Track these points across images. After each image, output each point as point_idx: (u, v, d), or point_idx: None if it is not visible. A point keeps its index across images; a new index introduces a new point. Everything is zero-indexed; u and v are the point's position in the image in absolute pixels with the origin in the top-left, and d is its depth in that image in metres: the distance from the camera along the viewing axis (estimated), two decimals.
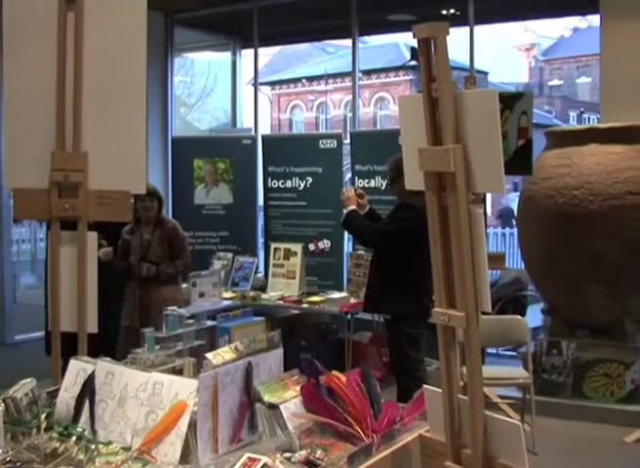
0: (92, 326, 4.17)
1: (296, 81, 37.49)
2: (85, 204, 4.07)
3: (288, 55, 37.33)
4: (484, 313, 2.61)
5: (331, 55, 34.63)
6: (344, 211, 5.97)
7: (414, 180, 2.66)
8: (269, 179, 8.99)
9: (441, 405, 2.71)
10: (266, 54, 31.98)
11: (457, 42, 8.91)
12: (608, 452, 6.01)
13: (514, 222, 19.40)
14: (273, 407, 2.92)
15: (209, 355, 3.02)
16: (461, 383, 3.09)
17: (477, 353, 2.54)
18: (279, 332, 3.21)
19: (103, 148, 4.09)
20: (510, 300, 8.48)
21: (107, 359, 3.10)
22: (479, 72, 25.83)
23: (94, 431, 2.86)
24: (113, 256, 6.85)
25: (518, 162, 6.25)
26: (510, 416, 6.12)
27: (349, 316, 7.54)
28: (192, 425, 2.69)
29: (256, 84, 11.07)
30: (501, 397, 6.77)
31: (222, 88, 12.71)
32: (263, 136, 9.39)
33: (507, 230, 16.87)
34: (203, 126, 15.32)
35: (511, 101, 6.24)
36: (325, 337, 8.20)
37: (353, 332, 7.75)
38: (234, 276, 8.41)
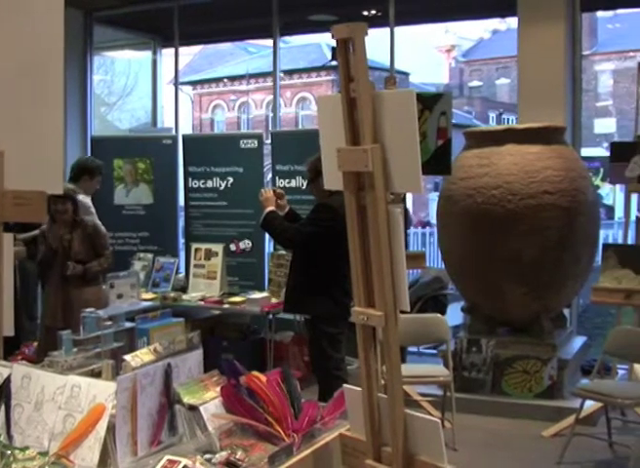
0: (8, 328, 4.09)
1: (217, 81, 37.35)
2: (0, 204, 3.99)
3: (209, 54, 37.17)
4: (404, 312, 2.63)
5: (252, 54, 34.58)
6: (263, 212, 5.95)
7: (332, 180, 2.66)
8: (190, 179, 8.92)
9: (361, 403, 2.71)
10: (188, 53, 31.79)
11: (378, 43, 9.01)
12: (527, 447, 6.11)
13: (410, 224, 19.71)
14: (193, 408, 2.90)
15: (127, 357, 2.99)
16: (382, 382, 3.11)
17: (396, 352, 2.56)
18: (198, 333, 3.19)
19: (20, 148, 4.01)
20: (431, 299, 8.57)
21: (24, 362, 3.05)
22: (400, 73, 26.07)
23: (9, 436, 2.81)
24: (26, 256, 6.79)
25: (437, 162, 6.32)
26: (431, 414, 6.19)
27: (271, 316, 7.53)
28: (111, 428, 2.66)
29: (176, 83, 10.99)
30: (422, 395, 6.85)
31: (143, 87, 12.60)
32: (184, 136, 9.32)
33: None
34: (124, 125, 15.17)
35: (431, 102, 6.30)
36: (247, 338, 8.19)
37: (275, 332, 7.75)
38: (155, 277, 8.33)
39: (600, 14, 32.68)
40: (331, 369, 5.76)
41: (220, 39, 15.68)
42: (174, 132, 10.21)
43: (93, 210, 7.46)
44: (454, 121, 6.67)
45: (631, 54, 32.97)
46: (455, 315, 8.19)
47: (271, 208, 5.91)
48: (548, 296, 7.03)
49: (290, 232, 5.86)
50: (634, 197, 7.34)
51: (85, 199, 7.38)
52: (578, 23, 8.30)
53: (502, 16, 14.64)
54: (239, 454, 2.72)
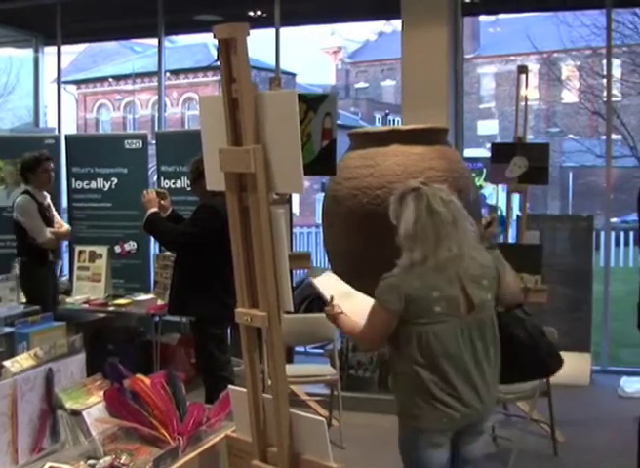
0: None
1: (102, 80, 36.80)
2: None
3: (94, 53, 36.62)
4: (289, 312, 2.64)
5: (138, 54, 34.20)
6: (146, 213, 5.89)
7: (215, 181, 2.65)
8: (73, 180, 8.78)
9: (246, 404, 2.72)
10: (71, 51, 31.22)
11: (265, 44, 9.02)
12: None
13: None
14: (76, 413, 2.87)
15: (6, 363, 2.92)
16: (269, 382, 3.12)
17: (280, 352, 2.57)
18: (80, 337, 3.14)
19: None
20: (317, 299, 8.61)
21: None
22: (287, 74, 26.13)
23: None
24: None
25: (322, 162, 6.34)
26: (319, 413, 6.23)
27: (157, 318, 7.46)
28: None
29: (59, 82, 10.79)
30: (310, 394, 6.87)
31: (25, 85, 12.35)
32: (67, 136, 9.15)
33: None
34: (5, 125, 14.86)
35: (315, 103, 6.32)
36: (133, 340, 8.08)
37: (161, 334, 7.68)
38: None
39: (482, 18, 33.47)
40: (217, 370, 5.74)
41: (105, 38, 15.46)
42: (56, 131, 10.02)
43: (29, 209, 7.30)
44: (340, 122, 6.73)
45: (512, 57, 33.82)
46: None
47: (154, 209, 5.86)
48: None
49: (173, 234, 5.82)
50: (515, 197, 7.53)
51: (22, 199, 7.33)
52: (460, 27, 8.48)
53: (388, 18, 14.86)
54: (124, 459, 2.70)
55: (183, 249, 5.88)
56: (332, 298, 3.94)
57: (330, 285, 4.08)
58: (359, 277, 7.27)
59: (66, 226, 7.62)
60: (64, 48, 10.54)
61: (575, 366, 7.60)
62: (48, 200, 7.51)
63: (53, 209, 7.60)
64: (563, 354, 6.78)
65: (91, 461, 2.65)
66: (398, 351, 3.56)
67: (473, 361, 3.43)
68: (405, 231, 3.66)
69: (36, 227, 7.26)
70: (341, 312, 3.86)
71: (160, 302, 7.48)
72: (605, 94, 9.67)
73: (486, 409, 3.52)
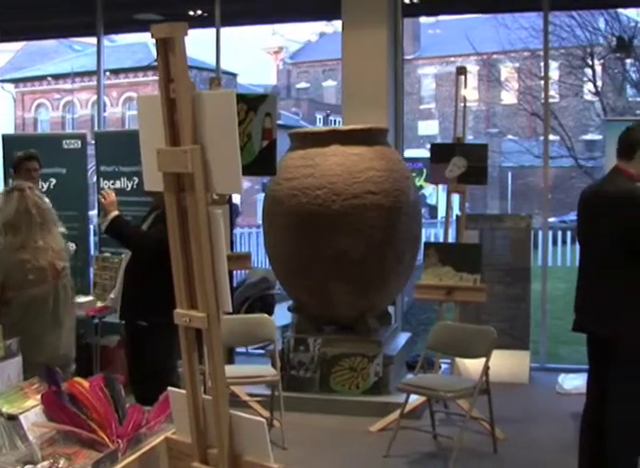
0: None
1: (41, 79, 36.32)
2: None
3: (32, 51, 36.13)
4: (230, 313, 2.64)
5: (78, 52, 33.84)
6: (109, 216, 5.58)
7: (153, 181, 2.64)
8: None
9: (186, 406, 2.70)
10: (9, 50, 30.82)
11: (207, 44, 8.98)
12: (355, 443, 6.22)
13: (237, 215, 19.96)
14: (12, 417, 2.82)
15: None
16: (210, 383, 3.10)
17: (219, 353, 2.56)
18: (17, 340, 3.10)
19: None
20: (258, 299, 8.61)
21: None
22: (228, 74, 26.05)
23: None
24: None
25: (262, 163, 6.35)
26: (260, 414, 6.22)
27: (96, 320, 7.38)
28: None
29: None
30: (251, 395, 6.86)
31: None
32: (4, 136, 9.01)
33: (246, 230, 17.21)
34: None
35: (255, 103, 6.33)
36: None
37: (101, 337, 7.60)
38: None
39: (423, 19, 33.72)
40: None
41: (44, 36, 15.25)
42: None
43: None
44: (281, 122, 6.75)
45: (452, 59, 34.08)
46: (284, 314, 8.25)
47: (116, 212, 5.59)
48: (373, 294, 7.17)
49: (145, 238, 5.57)
50: (455, 197, 7.59)
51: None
52: (400, 28, 8.52)
53: (329, 19, 14.90)
54: (62, 463, 2.67)
55: (153, 252, 5.52)
56: None
57: None
58: (299, 277, 7.29)
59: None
60: (1, 46, 10.44)
61: (514, 363, 7.72)
62: None
63: None
64: (502, 352, 6.93)
65: (28, 466, 2.62)
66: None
67: (53, 318, 4.90)
68: (6, 220, 4.85)
69: None
70: None
71: (100, 304, 7.38)
72: (543, 95, 9.80)
73: (66, 357, 4.99)
